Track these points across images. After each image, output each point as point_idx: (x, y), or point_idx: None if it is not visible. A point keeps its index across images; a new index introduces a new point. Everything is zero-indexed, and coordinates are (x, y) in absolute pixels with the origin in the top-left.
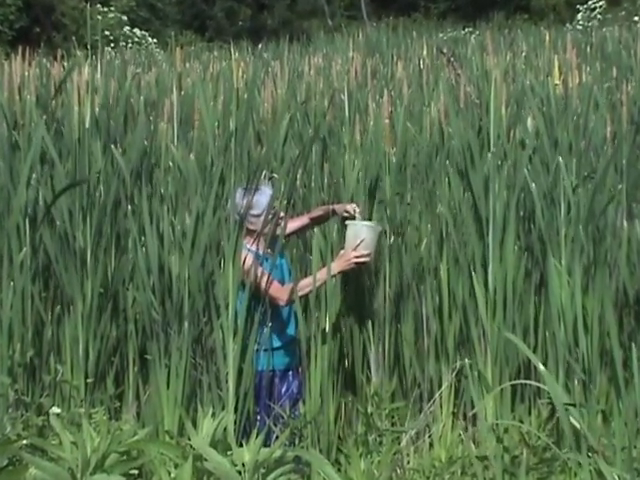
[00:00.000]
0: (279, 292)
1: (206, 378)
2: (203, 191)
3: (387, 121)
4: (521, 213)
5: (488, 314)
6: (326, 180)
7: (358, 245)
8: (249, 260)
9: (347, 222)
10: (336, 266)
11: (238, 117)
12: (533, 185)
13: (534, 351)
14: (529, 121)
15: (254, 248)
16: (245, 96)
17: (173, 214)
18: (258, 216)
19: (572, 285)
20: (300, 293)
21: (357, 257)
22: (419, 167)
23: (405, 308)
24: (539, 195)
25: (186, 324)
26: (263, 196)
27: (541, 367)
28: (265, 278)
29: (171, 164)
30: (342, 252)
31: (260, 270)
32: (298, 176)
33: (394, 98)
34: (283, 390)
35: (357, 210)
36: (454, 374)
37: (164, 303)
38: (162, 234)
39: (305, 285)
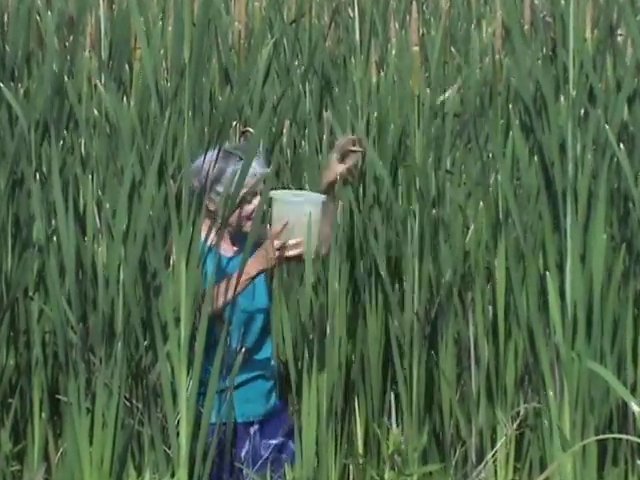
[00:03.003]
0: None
1: (147, 429)
2: (143, 153)
3: (417, 49)
4: (615, 186)
5: (565, 336)
6: (326, 136)
7: (282, 231)
8: None
9: (270, 194)
10: (252, 264)
11: (195, 44)
12: (622, 146)
13: (633, 391)
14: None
15: (210, 241)
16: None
17: (100, 187)
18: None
19: None
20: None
21: (280, 249)
22: (464, 118)
23: (443, 327)
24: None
25: (118, 349)
26: (231, 166)
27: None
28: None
29: (97, 113)
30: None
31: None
32: (284, 130)
33: (427, 16)
34: (243, 453)
35: (363, 144)
36: (515, 424)
37: (85, 318)
38: (83, 216)
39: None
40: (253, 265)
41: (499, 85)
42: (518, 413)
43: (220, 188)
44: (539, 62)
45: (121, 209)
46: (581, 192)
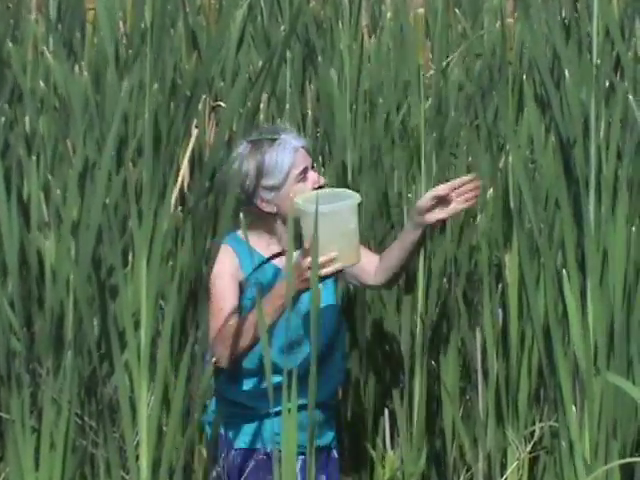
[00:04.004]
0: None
1: (102, 451)
2: (98, 131)
3: (422, 11)
4: None
5: (586, 345)
6: (310, 112)
7: (311, 246)
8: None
9: (296, 200)
10: (279, 287)
11: (158, 4)
12: None
13: None
14: None
15: (258, 249)
16: None
17: (48, 170)
18: (277, 189)
19: None
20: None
21: (310, 267)
22: (472, 91)
23: (447, 334)
24: None
25: (68, 358)
26: (285, 152)
27: None
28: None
29: (43, 85)
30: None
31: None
32: (262, 105)
33: None
34: None
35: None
36: (529, 446)
37: (30, 323)
38: (27, 205)
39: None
40: (278, 289)
41: (510, 54)
42: (532, 433)
43: (269, 181)
44: (556, 28)
45: (71, 196)
46: (606, 178)
